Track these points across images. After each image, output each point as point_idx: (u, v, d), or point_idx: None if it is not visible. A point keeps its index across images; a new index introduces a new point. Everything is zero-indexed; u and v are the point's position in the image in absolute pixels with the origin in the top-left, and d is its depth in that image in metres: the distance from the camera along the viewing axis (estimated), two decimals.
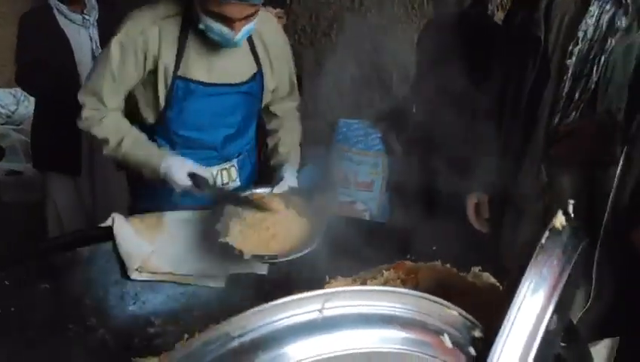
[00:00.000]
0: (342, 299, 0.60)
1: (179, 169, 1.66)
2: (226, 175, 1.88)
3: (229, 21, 1.56)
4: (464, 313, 0.69)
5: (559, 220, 0.80)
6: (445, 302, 0.68)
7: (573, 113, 1.70)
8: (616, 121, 1.64)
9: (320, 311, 0.59)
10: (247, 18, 1.58)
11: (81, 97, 1.74)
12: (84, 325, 1.51)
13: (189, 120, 1.77)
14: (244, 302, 1.60)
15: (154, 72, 1.71)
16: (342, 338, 0.60)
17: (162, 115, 1.76)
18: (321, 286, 1.31)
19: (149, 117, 1.80)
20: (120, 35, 1.69)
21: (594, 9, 1.65)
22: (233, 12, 1.54)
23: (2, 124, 5.07)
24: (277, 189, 1.74)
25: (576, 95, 1.69)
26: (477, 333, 0.70)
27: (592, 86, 1.66)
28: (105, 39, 2.76)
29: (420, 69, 2.50)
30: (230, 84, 1.77)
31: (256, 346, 0.57)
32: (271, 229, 1.59)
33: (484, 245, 1.92)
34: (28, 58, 2.71)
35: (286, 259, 1.50)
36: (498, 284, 1.25)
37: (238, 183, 1.90)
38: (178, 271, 1.67)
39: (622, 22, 1.62)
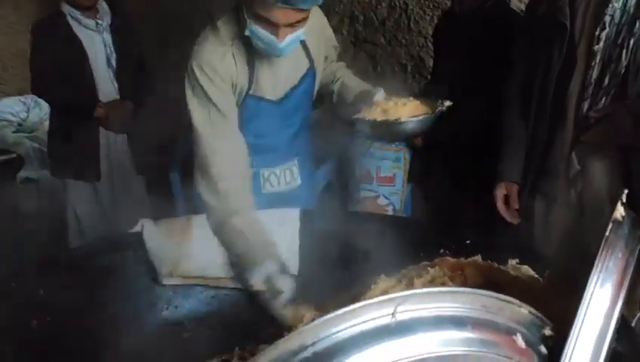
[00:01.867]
0: (414, 302, 0.59)
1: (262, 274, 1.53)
2: (289, 174, 1.88)
3: (274, 27, 1.50)
4: (534, 311, 0.68)
5: (619, 211, 0.78)
6: (515, 301, 0.67)
7: (603, 99, 1.68)
8: None
9: (393, 315, 0.57)
10: (294, 25, 1.52)
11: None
12: (118, 332, 1.50)
13: (257, 130, 1.76)
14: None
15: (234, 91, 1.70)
16: (416, 342, 0.58)
17: None
18: (356, 286, 1.30)
19: None
20: (199, 73, 1.61)
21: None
22: (279, 17, 1.47)
23: (15, 132, 5.08)
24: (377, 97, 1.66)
25: (606, 80, 1.66)
26: (547, 331, 0.68)
27: (622, 70, 1.63)
28: (118, 44, 2.80)
29: (439, 60, 2.48)
30: (291, 89, 1.76)
31: (330, 354, 0.56)
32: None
33: (517, 235, 1.89)
34: (43, 66, 2.71)
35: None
36: (537, 276, 1.23)
37: (299, 182, 1.90)
38: (209, 274, 1.66)
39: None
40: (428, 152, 2.44)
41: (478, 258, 1.17)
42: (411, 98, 1.64)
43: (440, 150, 2.28)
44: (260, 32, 1.52)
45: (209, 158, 1.63)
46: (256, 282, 1.52)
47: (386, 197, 2.48)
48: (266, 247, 1.59)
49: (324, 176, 2.82)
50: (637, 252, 0.77)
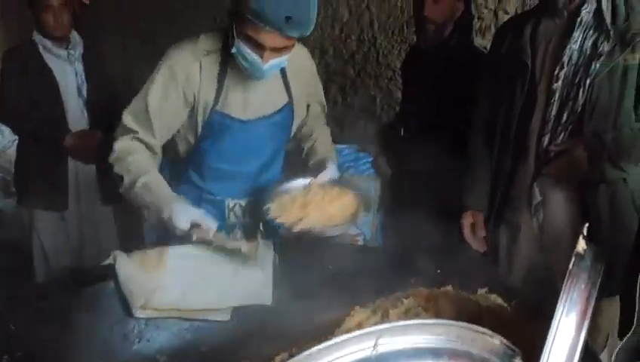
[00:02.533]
0: (394, 334, 0.62)
1: (183, 215, 1.64)
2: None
3: (260, 49, 1.57)
4: (504, 341, 0.71)
5: (581, 245, 0.83)
6: (487, 331, 0.70)
7: (562, 134, 1.76)
8: (603, 141, 1.71)
9: (374, 347, 0.60)
10: (279, 51, 1.59)
11: (118, 131, 1.74)
12: None
13: (223, 152, 1.78)
14: (250, 334, 1.59)
15: (193, 107, 1.73)
16: None
17: (197, 147, 1.78)
18: (332, 315, 1.32)
19: (183, 148, 1.82)
20: (162, 71, 1.70)
21: (577, 34, 1.72)
22: (266, 40, 1.55)
23: None
24: (320, 178, 1.77)
25: (564, 117, 1.75)
26: (518, 360, 0.71)
27: (579, 108, 1.73)
28: (89, 74, 2.80)
29: (406, 92, 2.55)
30: (263, 117, 1.78)
31: None
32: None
33: (485, 264, 1.95)
34: (12, 94, 2.69)
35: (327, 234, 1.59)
36: (505, 305, 1.28)
37: None
38: (183, 306, 1.65)
39: (604, 47, 1.69)
40: (398, 181, 2.49)
41: (450, 288, 1.22)
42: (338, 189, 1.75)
43: (409, 179, 2.33)
44: (246, 52, 1.59)
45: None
46: (181, 222, 1.61)
47: (357, 227, 2.52)
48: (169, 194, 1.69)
49: None
50: (599, 283, 0.82)
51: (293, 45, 1.61)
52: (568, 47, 1.73)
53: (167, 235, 1.76)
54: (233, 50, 1.62)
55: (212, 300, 1.66)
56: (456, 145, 2.08)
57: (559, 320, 0.73)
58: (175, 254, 1.69)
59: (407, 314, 1.00)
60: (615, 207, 1.73)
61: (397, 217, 2.38)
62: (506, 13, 2.83)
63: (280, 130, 1.85)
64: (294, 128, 1.90)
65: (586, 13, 1.71)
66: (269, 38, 1.54)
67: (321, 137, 1.99)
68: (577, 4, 1.72)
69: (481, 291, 1.31)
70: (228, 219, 1.86)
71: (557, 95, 1.76)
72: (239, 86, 1.73)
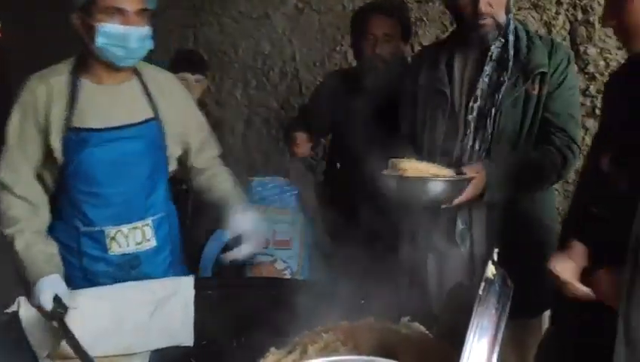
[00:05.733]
0: None
1: (47, 289, 1.54)
2: (140, 234, 1.78)
3: (123, 15, 1.59)
4: None
5: (490, 270, 0.85)
6: None
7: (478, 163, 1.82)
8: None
9: None
10: (141, 14, 1.62)
11: None
12: None
13: (88, 172, 1.68)
14: None
15: (47, 131, 1.66)
16: None
17: (61, 174, 1.69)
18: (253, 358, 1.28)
19: (48, 179, 1.72)
20: (15, 105, 1.67)
21: (488, 68, 1.80)
22: (126, 3, 1.58)
23: None
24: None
25: (477, 145, 1.82)
26: None
27: (489, 137, 1.80)
28: None
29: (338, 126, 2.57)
30: (121, 127, 1.71)
31: None
32: None
33: (412, 292, 1.96)
34: None
35: None
36: (427, 332, 1.29)
37: (154, 243, 1.81)
38: (95, 352, 1.55)
39: (505, 77, 1.78)
40: (324, 213, 2.49)
41: (372, 319, 1.21)
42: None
43: (337, 211, 2.33)
44: (111, 28, 1.59)
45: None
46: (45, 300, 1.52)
47: (284, 261, 2.48)
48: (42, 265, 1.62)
49: (221, 239, 2.77)
50: (508, 306, 0.83)
51: (150, 12, 1.65)
52: (481, 80, 1.81)
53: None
54: (98, 42, 1.60)
55: (128, 344, 1.58)
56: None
57: (470, 347, 0.73)
58: (87, 296, 1.60)
59: (326, 349, 0.98)
60: (527, 224, 1.81)
61: (323, 249, 2.37)
62: (421, 45, 2.94)
63: (149, 149, 1.77)
64: (172, 151, 1.84)
65: (496, 49, 1.80)
66: (128, 2, 1.59)
67: (220, 183, 1.93)
68: (490, 40, 1.79)
69: (404, 319, 1.31)
70: (110, 248, 1.74)
71: (472, 126, 1.82)
72: (93, 96, 1.69)
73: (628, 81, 1.35)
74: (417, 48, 2.91)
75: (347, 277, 1.61)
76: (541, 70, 1.77)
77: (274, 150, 3.60)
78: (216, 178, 1.93)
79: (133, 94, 1.75)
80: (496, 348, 0.76)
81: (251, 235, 1.77)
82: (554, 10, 2.56)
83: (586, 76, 2.48)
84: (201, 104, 2.80)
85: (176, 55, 2.74)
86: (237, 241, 1.79)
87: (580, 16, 2.50)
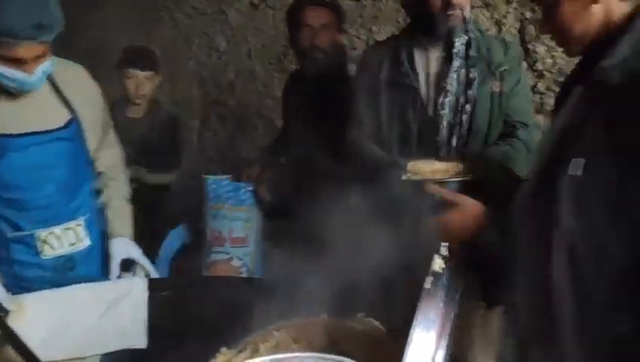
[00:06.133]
0: None
1: None
2: (73, 235, 1.75)
3: (20, 63, 1.55)
4: None
5: (438, 264, 0.86)
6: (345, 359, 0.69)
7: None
8: None
9: None
10: (39, 59, 1.57)
11: None
12: None
13: (8, 178, 1.65)
14: None
15: None
16: None
17: None
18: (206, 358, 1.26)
19: None
20: None
21: (456, 64, 1.82)
22: (23, 53, 1.53)
23: None
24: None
25: (454, 141, 1.83)
26: None
27: (466, 133, 1.82)
28: None
29: (288, 120, 2.56)
30: (41, 132, 1.68)
31: None
32: None
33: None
34: None
35: None
36: (381, 327, 1.29)
37: (87, 243, 1.78)
38: (43, 357, 1.50)
39: (474, 73, 1.81)
40: (277, 210, 2.47)
41: (325, 316, 1.21)
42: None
43: (289, 207, 2.32)
44: (6, 72, 1.56)
45: None
46: None
47: (240, 259, 2.46)
48: None
49: (177, 239, 2.73)
50: (458, 298, 0.84)
51: (49, 47, 1.60)
52: (449, 75, 1.82)
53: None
54: None
55: (77, 348, 1.53)
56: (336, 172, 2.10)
57: (415, 340, 0.74)
58: (33, 299, 1.55)
59: (277, 348, 0.97)
60: None
61: (278, 246, 2.36)
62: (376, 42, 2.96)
63: (71, 149, 1.75)
64: (91, 147, 1.82)
65: (460, 45, 1.82)
66: (27, 51, 1.54)
67: (112, 198, 1.92)
68: (456, 34, 1.81)
69: (359, 315, 1.32)
70: (42, 252, 1.71)
71: (445, 121, 1.83)
72: (9, 104, 1.66)
73: None
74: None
75: (299, 275, 1.61)
76: (503, 67, 1.81)
77: (230, 147, 3.56)
78: (111, 193, 1.91)
79: (48, 98, 1.72)
80: (444, 341, 0.77)
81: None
82: (504, 9, 2.61)
83: (535, 73, 2.55)
84: (154, 102, 2.75)
85: (124, 52, 2.66)
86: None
87: (528, 14, 2.57)
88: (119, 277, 1.79)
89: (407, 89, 1.87)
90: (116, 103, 2.58)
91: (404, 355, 0.70)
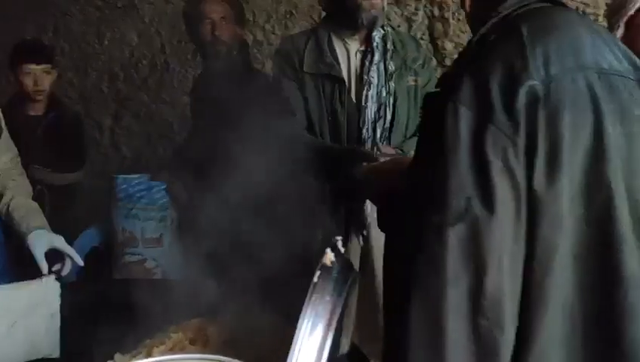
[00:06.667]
0: None
1: None
2: None
3: None
4: None
5: (328, 257, 0.86)
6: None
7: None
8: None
9: None
10: None
11: None
12: None
13: None
14: None
15: None
16: None
17: None
18: None
19: None
20: None
21: (377, 57, 1.84)
22: None
23: None
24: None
25: (378, 133, 1.84)
26: None
27: (388, 125, 1.84)
28: None
29: (197, 117, 2.51)
30: None
31: None
32: None
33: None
34: None
35: None
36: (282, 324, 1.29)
37: None
38: None
39: (392, 67, 1.83)
40: (193, 209, 2.42)
41: (226, 316, 1.19)
42: None
43: (204, 207, 2.27)
44: None
45: None
46: None
47: (154, 260, 2.39)
48: None
49: (89, 241, 2.62)
50: (346, 293, 0.85)
51: None
52: (372, 68, 1.83)
53: None
54: None
55: None
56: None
57: (303, 335, 0.74)
58: None
59: (172, 350, 0.95)
60: None
61: (192, 246, 2.31)
62: None
63: None
64: None
65: (379, 39, 1.84)
66: None
67: (16, 197, 1.81)
68: (376, 25, 1.83)
69: (261, 312, 1.31)
70: None
71: (367, 114, 1.83)
72: None
73: None
74: None
75: (208, 275, 1.59)
76: (418, 63, 1.85)
77: (145, 146, 3.45)
78: (13, 193, 1.82)
79: None
80: (331, 334, 0.77)
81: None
82: (413, 6, 2.68)
83: (444, 69, 2.64)
84: (53, 97, 2.60)
85: (15, 48, 2.49)
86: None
87: (436, 12, 2.65)
88: (50, 271, 1.67)
89: (334, 80, 1.86)
90: (13, 102, 2.45)
91: (291, 351, 0.70)
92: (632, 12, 1.63)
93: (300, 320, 0.73)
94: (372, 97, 1.84)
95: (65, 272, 1.69)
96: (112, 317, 1.53)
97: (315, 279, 0.80)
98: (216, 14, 2.18)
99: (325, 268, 0.83)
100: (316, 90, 1.89)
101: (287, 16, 2.94)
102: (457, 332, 0.76)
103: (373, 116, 1.85)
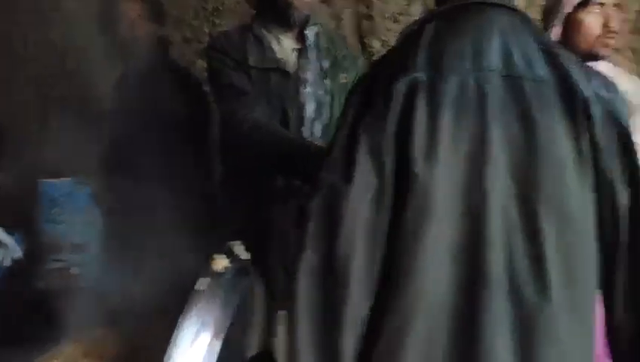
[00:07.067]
0: None
1: None
2: None
3: None
4: None
5: (221, 263, 0.85)
6: None
7: None
8: None
9: None
10: None
11: None
12: None
13: None
14: None
15: None
16: None
17: None
18: None
19: None
20: None
21: (312, 55, 1.82)
22: None
23: None
24: None
25: (316, 133, 1.81)
26: None
27: (326, 124, 1.81)
28: None
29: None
30: None
31: None
32: None
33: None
34: None
35: None
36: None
37: None
38: None
39: (326, 64, 1.82)
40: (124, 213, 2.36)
41: (126, 327, 1.16)
42: None
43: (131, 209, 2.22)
44: None
45: None
46: None
47: (79, 266, 2.32)
48: None
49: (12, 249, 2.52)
50: (237, 299, 0.84)
51: None
52: (308, 66, 1.81)
53: None
54: None
55: None
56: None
57: (188, 345, 0.73)
58: None
59: None
60: None
61: (115, 253, 2.26)
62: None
63: None
64: None
65: (313, 36, 1.83)
66: None
67: None
68: (308, 23, 1.81)
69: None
70: None
71: (307, 112, 1.81)
72: None
73: None
74: None
75: (124, 283, 1.55)
76: (347, 60, 1.86)
77: (75, 147, 3.33)
78: None
79: None
80: (220, 342, 0.77)
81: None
82: (341, 4, 2.69)
83: None
84: None
85: None
86: None
87: (363, 10, 2.67)
88: None
89: (282, 74, 1.82)
90: None
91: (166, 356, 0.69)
92: (569, 10, 1.68)
93: (176, 331, 0.72)
94: (309, 95, 1.83)
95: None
96: (17, 329, 1.48)
97: (202, 287, 0.79)
98: (133, 13, 2.16)
99: (216, 275, 0.83)
100: (265, 85, 1.84)
101: (214, 13, 2.90)
102: (307, 292, 0.81)
103: (312, 114, 1.84)
